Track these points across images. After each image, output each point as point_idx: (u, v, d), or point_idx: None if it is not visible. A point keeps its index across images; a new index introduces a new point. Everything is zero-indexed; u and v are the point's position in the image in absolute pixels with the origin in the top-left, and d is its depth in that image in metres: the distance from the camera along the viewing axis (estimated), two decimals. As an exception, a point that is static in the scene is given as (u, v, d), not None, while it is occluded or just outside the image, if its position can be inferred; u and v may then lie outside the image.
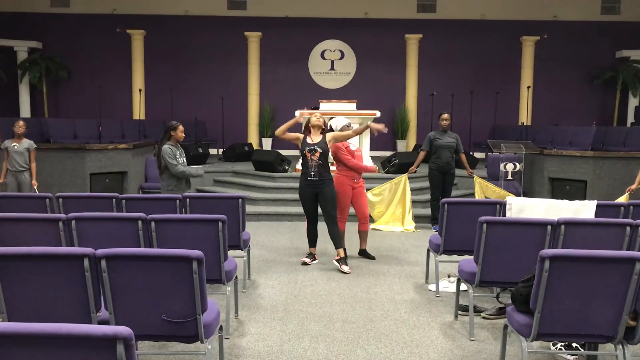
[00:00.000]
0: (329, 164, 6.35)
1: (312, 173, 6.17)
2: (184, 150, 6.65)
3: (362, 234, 6.83)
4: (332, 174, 6.49)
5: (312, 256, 6.50)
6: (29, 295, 3.09)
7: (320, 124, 6.32)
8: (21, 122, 7.81)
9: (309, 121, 6.35)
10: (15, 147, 7.71)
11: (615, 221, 4.42)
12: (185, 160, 6.42)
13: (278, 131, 6.24)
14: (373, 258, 6.74)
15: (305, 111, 10.73)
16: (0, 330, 1.95)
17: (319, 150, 6.15)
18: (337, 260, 6.26)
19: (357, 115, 10.44)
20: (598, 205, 4.90)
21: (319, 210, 6.42)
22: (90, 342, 1.94)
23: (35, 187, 7.72)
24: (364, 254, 6.81)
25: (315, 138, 6.24)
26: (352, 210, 6.82)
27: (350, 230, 6.99)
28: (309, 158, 6.18)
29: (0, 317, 3.18)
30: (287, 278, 5.91)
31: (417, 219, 8.66)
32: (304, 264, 6.38)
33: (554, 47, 16.22)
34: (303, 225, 8.63)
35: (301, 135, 6.32)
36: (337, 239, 6.29)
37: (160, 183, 6.46)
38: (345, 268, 6.16)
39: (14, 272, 3.06)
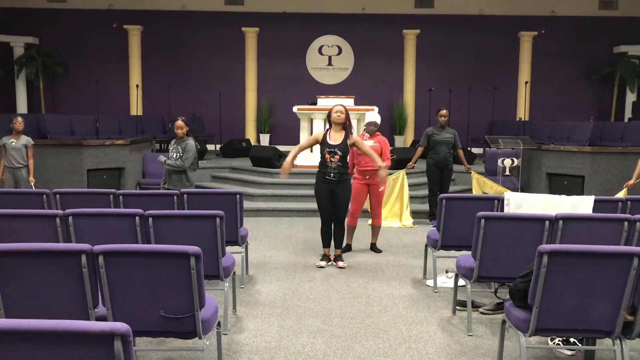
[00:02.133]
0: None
1: (332, 174, 5.97)
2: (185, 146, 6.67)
3: (373, 229, 6.95)
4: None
5: (327, 258, 6.28)
6: (26, 291, 3.08)
7: (341, 121, 5.95)
8: (20, 119, 7.79)
9: (329, 115, 6.03)
10: (13, 143, 7.68)
11: (613, 216, 4.42)
12: (176, 156, 6.47)
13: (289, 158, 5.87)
14: (380, 251, 6.85)
15: (304, 107, 10.73)
16: (-3, 326, 1.94)
17: (340, 153, 5.91)
18: (334, 258, 6.30)
19: (355, 110, 10.43)
20: (596, 201, 4.90)
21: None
22: (87, 338, 1.93)
23: (32, 183, 7.69)
24: (372, 247, 6.94)
25: (336, 137, 5.95)
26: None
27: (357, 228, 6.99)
28: (328, 160, 5.96)
29: (-2, 313, 3.17)
30: (285, 274, 5.91)
31: (415, 214, 8.66)
32: (320, 267, 6.15)
33: (551, 43, 16.20)
34: (301, 220, 8.68)
35: (320, 136, 6.06)
36: (340, 240, 6.28)
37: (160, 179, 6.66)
38: (340, 263, 6.20)
39: (11, 269, 3.05)
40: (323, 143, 5.99)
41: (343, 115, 5.96)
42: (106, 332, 1.91)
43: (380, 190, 6.77)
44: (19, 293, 3.09)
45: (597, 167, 9.17)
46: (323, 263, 6.21)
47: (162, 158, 6.55)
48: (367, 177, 6.68)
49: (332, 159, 5.94)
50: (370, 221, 7.04)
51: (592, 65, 16.35)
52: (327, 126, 6.13)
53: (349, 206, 6.55)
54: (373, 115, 6.96)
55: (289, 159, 5.87)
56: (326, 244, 6.29)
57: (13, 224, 4.31)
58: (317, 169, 6.16)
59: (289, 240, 7.46)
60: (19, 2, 15.97)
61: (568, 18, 16.23)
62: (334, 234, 6.27)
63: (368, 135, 6.78)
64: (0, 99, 15.90)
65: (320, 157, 6.05)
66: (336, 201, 6.10)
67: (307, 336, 4.26)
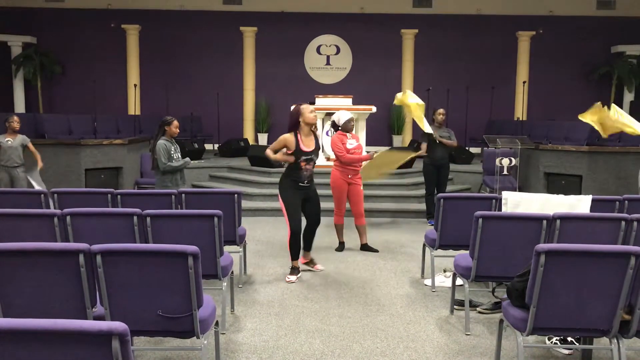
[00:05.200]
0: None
1: (306, 181, 5.64)
2: (179, 146, 6.64)
3: (360, 229, 6.87)
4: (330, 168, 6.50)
5: (297, 271, 5.75)
6: (24, 291, 3.08)
7: (315, 122, 5.60)
8: (16, 118, 7.81)
9: (299, 114, 5.52)
10: (9, 142, 7.68)
11: (610, 216, 4.43)
12: (180, 156, 6.42)
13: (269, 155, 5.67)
14: (376, 251, 6.80)
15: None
16: (-5, 326, 1.94)
17: (315, 159, 5.63)
18: (309, 261, 6.05)
19: (353, 110, 10.43)
20: (593, 200, 4.91)
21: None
22: (85, 337, 1.93)
23: (40, 167, 7.80)
24: (365, 247, 6.86)
25: (309, 143, 5.54)
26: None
27: (348, 226, 7.00)
28: (303, 167, 5.56)
29: (-5, 313, 3.17)
30: (283, 273, 5.90)
31: (413, 214, 8.68)
32: (291, 282, 5.60)
33: (549, 42, 16.22)
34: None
35: (290, 140, 5.52)
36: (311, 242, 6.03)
37: (155, 178, 6.48)
38: (319, 266, 6.04)
39: (8, 268, 3.05)
40: (297, 151, 5.51)
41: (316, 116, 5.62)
42: (104, 332, 1.91)
43: (361, 189, 6.71)
44: (16, 292, 3.09)
45: (595, 167, 9.18)
46: (294, 278, 5.65)
47: (187, 161, 6.34)
48: (349, 175, 6.62)
49: (308, 166, 5.60)
50: (364, 220, 6.96)
51: (589, 65, 16.37)
52: (295, 130, 5.57)
53: (334, 206, 6.63)
54: (343, 112, 6.69)
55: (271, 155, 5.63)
56: (296, 256, 5.78)
57: (10, 223, 4.30)
58: (285, 175, 5.70)
59: (287, 239, 7.44)
60: (16, 1, 15.95)
61: (566, 18, 16.26)
62: (311, 235, 5.95)
63: (350, 134, 6.68)
64: (-2, 99, 15.88)
65: (293, 164, 5.57)
66: (313, 206, 5.78)
67: (305, 335, 4.27)
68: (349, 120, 6.62)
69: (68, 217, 4.27)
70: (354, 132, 6.86)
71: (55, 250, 3.07)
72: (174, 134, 6.39)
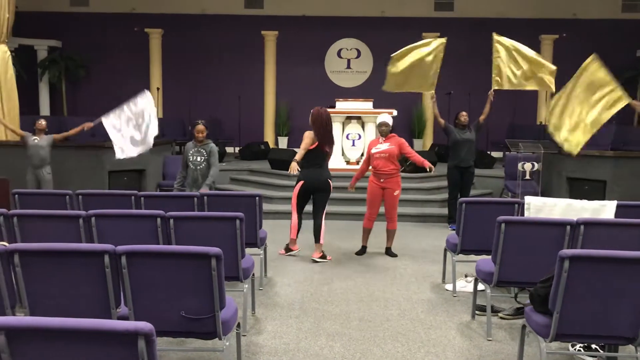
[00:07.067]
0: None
1: None
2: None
3: (388, 233, 6.92)
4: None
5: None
6: (51, 290, 3.14)
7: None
8: (41, 121, 8.01)
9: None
10: (36, 140, 7.84)
11: (635, 222, 4.35)
12: (200, 159, 6.50)
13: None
14: (395, 256, 6.80)
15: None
16: (23, 324, 1.98)
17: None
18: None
19: (373, 114, 10.43)
20: (618, 206, 4.84)
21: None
22: (112, 337, 1.96)
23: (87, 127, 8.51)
24: (387, 252, 6.89)
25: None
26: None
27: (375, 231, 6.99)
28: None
29: (23, 312, 3.22)
30: (303, 276, 5.92)
31: (434, 218, 8.64)
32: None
33: (573, 46, 16.00)
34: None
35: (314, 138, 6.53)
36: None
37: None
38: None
39: (35, 268, 3.11)
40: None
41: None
42: (130, 331, 1.94)
43: (395, 194, 6.73)
44: (43, 292, 3.14)
45: (619, 172, 9.04)
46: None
47: (210, 183, 6.58)
48: (381, 180, 6.67)
49: None
50: (395, 225, 7.00)
51: (614, 69, 15.84)
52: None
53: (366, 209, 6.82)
54: (383, 116, 6.99)
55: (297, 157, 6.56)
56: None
57: (37, 224, 4.38)
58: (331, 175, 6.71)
59: (307, 242, 7.46)
60: (42, 6, 16.23)
61: (590, 21, 16.05)
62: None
63: (383, 138, 6.78)
64: (24, 102, 15.97)
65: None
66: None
67: (326, 339, 4.27)
68: (380, 125, 6.85)
69: (93, 219, 4.34)
70: (396, 136, 6.93)
71: (82, 251, 3.12)
72: (196, 138, 6.56)
